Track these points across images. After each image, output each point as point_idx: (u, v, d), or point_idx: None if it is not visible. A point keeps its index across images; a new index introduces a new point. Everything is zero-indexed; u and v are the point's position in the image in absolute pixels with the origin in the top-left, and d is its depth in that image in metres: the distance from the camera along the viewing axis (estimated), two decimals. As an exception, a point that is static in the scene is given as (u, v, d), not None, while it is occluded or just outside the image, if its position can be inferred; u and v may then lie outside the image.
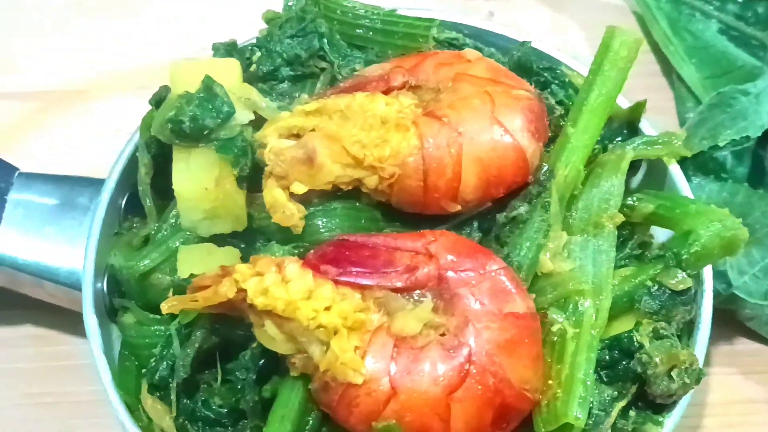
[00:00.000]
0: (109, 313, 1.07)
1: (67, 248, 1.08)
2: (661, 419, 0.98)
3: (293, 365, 0.93)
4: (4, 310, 1.17)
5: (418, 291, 0.93)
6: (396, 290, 0.93)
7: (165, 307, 0.93)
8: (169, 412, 0.97)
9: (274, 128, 1.00)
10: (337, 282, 0.92)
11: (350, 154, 0.97)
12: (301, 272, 0.92)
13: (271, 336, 0.92)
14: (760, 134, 1.13)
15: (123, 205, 1.10)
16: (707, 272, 1.04)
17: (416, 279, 0.93)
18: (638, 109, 1.11)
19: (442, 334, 0.92)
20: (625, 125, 1.11)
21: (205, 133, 0.99)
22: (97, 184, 1.10)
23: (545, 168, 1.01)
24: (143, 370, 1.00)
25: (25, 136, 1.25)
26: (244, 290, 0.90)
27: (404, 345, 0.91)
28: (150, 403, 0.98)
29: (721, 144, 1.13)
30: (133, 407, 1.00)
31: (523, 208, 1.00)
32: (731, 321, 1.16)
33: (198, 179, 0.99)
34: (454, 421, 0.90)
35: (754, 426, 1.13)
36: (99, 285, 1.06)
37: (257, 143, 1.00)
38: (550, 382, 0.94)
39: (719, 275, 1.12)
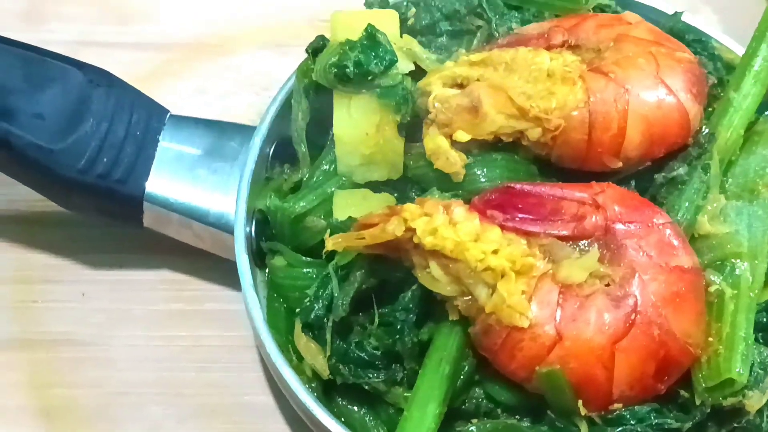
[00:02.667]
0: (255, 258, 1.06)
1: (217, 190, 1.08)
2: (816, 388, 0.97)
3: (454, 308, 0.93)
4: (142, 254, 1.17)
5: (584, 241, 0.93)
6: (562, 239, 0.93)
7: (330, 244, 0.93)
8: (323, 351, 0.97)
9: (439, 77, 1.01)
10: (503, 227, 0.92)
11: (515, 104, 0.97)
12: (468, 215, 0.92)
13: (435, 278, 0.92)
14: None
15: (270, 153, 1.10)
16: None
17: (583, 228, 0.93)
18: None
19: (607, 285, 0.92)
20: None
21: (369, 78, 0.99)
22: (245, 130, 1.10)
23: (706, 131, 1.01)
24: (297, 310, 1.00)
25: (163, 86, 1.25)
26: (413, 230, 0.90)
27: (570, 293, 0.91)
28: (303, 342, 0.98)
29: None
30: (283, 347, 1.00)
31: (682, 170, 0.99)
32: None
33: (359, 124, 1.00)
34: (617, 371, 0.90)
35: None
36: (248, 229, 1.06)
37: (419, 91, 1.01)
38: (710, 339, 0.93)
39: None
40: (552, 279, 0.92)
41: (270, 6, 1.24)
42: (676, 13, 1.12)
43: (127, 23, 1.34)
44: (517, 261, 0.90)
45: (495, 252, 0.90)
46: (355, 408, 1.00)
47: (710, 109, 1.04)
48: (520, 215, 0.94)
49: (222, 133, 1.11)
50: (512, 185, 0.96)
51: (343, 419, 0.98)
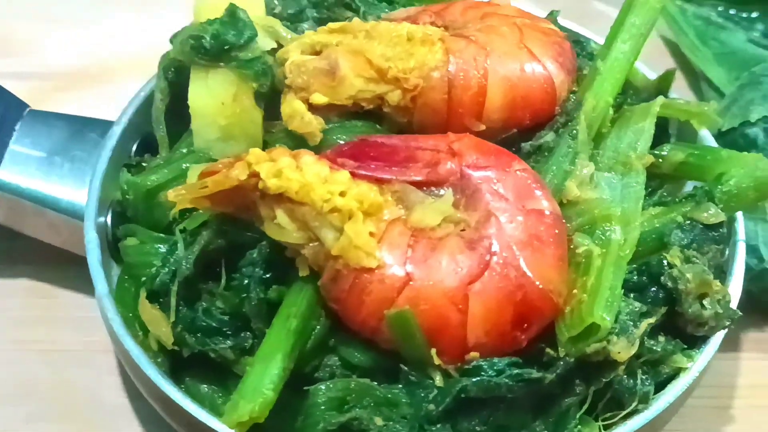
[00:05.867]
0: (112, 251, 1.01)
1: (73, 179, 1.04)
2: (692, 353, 0.91)
3: (304, 263, 0.87)
4: (4, 264, 1.11)
5: (440, 189, 0.89)
6: (416, 185, 0.89)
7: (172, 195, 0.89)
8: (167, 319, 0.90)
9: (297, 44, 0.98)
10: (354, 175, 0.88)
11: (374, 66, 0.94)
12: (316, 161, 0.88)
13: (281, 226, 0.87)
14: (792, 112, 1.10)
15: (134, 149, 1.06)
16: (739, 219, 0.99)
17: (437, 173, 0.89)
18: (667, 78, 1.09)
19: (463, 230, 0.87)
20: (654, 95, 1.08)
21: (226, 49, 0.96)
22: (107, 124, 1.07)
23: (573, 99, 0.98)
24: (143, 279, 0.94)
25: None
26: (257, 175, 0.86)
27: (422, 235, 0.86)
28: (148, 310, 0.92)
29: (752, 120, 1.10)
30: (129, 323, 0.94)
31: (549, 136, 0.96)
32: (761, 308, 1.11)
33: (215, 94, 0.97)
34: (472, 315, 0.84)
35: (785, 409, 1.06)
36: (103, 219, 1.01)
37: (278, 61, 0.98)
38: (575, 292, 0.87)
39: (750, 250, 1.07)
40: (404, 224, 0.87)
41: (152, 36, 1.22)
42: (552, 12, 1.10)
43: (10, 54, 1.32)
44: (365, 201, 0.86)
45: (342, 194, 0.86)
46: (204, 386, 0.93)
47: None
48: (373, 163, 0.89)
49: (83, 125, 1.08)
50: (366, 137, 0.92)
51: (191, 398, 0.90)
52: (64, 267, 1.10)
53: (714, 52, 1.25)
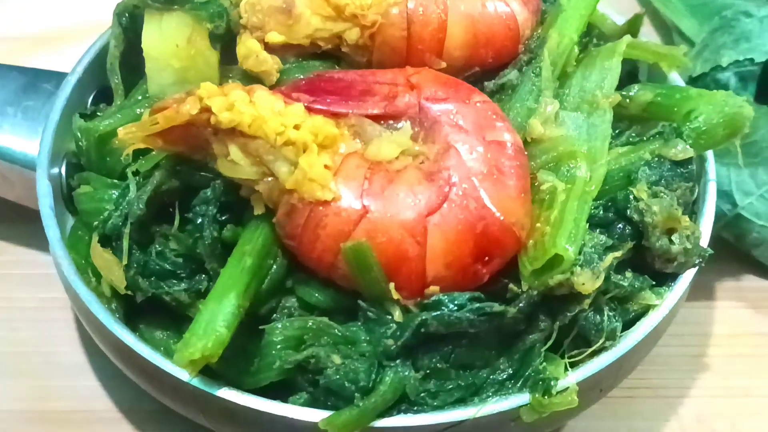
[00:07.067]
0: (67, 202, 0.98)
1: (25, 128, 1.01)
2: (662, 291, 0.89)
3: (259, 200, 0.85)
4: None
5: (397, 122, 0.86)
6: (373, 118, 0.86)
7: (122, 133, 0.86)
8: (119, 263, 0.87)
9: (252, -17, 0.95)
10: (309, 110, 0.85)
11: (331, 3, 0.92)
12: (270, 95, 0.85)
13: (235, 163, 0.84)
14: (765, 60, 1.07)
15: (90, 101, 1.03)
16: (710, 159, 0.96)
17: (395, 107, 0.87)
18: (636, 22, 1.06)
19: (422, 163, 0.84)
20: (622, 39, 1.06)
21: (181, -8, 0.93)
22: (63, 75, 1.04)
23: (537, 36, 0.95)
24: (95, 223, 0.91)
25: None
26: (209, 109, 0.83)
27: (379, 168, 0.83)
28: (99, 254, 0.89)
29: (723, 64, 1.07)
30: (82, 270, 0.91)
31: (512, 75, 0.94)
32: (737, 257, 1.09)
33: (169, 37, 0.94)
34: (431, 247, 0.81)
35: (761, 357, 1.03)
36: (57, 169, 0.98)
37: (234, 2, 0.95)
38: (538, 225, 0.85)
39: (723, 195, 1.05)
40: (360, 157, 0.84)
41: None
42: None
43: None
44: (320, 133, 0.83)
45: (297, 127, 0.83)
46: (159, 332, 0.90)
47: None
48: (329, 97, 0.87)
49: (36, 77, 1.05)
50: (322, 72, 0.89)
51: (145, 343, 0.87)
52: (18, 224, 1.08)
53: (686, 4, 1.23)
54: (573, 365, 0.85)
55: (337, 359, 0.82)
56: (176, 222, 0.88)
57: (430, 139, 0.85)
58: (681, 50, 1.02)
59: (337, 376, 0.81)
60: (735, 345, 1.05)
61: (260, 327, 0.84)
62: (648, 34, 1.26)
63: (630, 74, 1.04)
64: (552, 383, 0.83)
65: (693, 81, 1.08)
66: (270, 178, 0.84)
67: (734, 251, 1.08)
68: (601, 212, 0.88)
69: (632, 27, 1.05)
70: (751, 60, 1.07)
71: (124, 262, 0.88)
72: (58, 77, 1.04)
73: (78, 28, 1.28)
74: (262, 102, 0.84)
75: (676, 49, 1.02)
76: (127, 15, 0.99)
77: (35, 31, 1.31)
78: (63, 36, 1.30)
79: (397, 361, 0.82)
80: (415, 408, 0.82)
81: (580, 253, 0.83)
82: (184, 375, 0.83)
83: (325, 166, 0.82)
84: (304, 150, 0.83)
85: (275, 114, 0.83)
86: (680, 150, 0.91)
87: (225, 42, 0.96)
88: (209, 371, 0.83)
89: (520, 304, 0.82)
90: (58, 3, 1.35)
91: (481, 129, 0.85)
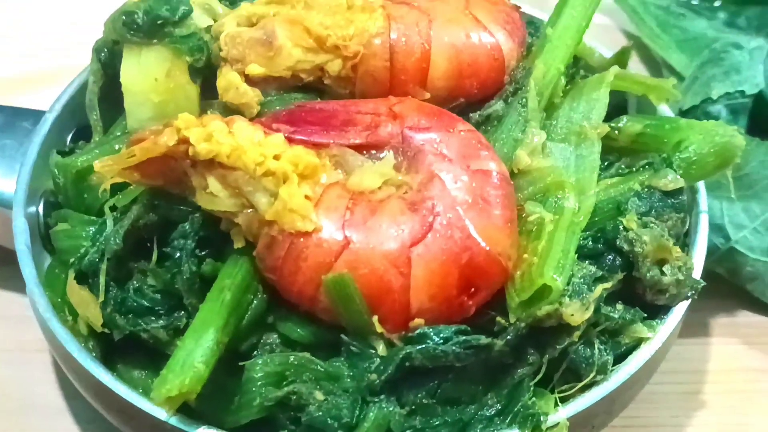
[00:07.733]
0: (44, 241, 0.96)
1: (3, 168, 1.00)
2: (654, 324, 0.86)
3: (239, 234, 0.83)
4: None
5: (380, 152, 0.84)
6: (355, 148, 0.84)
7: (98, 166, 0.84)
8: (96, 299, 0.85)
9: (233, 16, 0.95)
10: (290, 140, 0.84)
11: (312, 34, 0.91)
12: (249, 126, 0.84)
13: (213, 195, 0.82)
14: (755, 92, 1.06)
15: (69, 139, 1.02)
16: (701, 191, 0.95)
17: (377, 136, 0.85)
18: (624, 55, 1.05)
19: (405, 193, 0.82)
20: (610, 72, 1.04)
21: (159, 24, 0.92)
22: (41, 114, 1.02)
23: (522, 67, 0.94)
24: (72, 260, 0.89)
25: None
26: (187, 141, 0.81)
27: (361, 198, 0.81)
28: (76, 292, 0.87)
29: (714, 97, 1.06)
30: (58, 308, 0.88)
31: (498, 105, 0.92)
32: (729, 292, 1.07)
33: (148, 71, 0.93)
34: (414, 278, 0.79)
35: (756, 393, 1.01)
36: (34, 208, 0.96)
37: (214, 35, 0.94)
38: (525, 256, 0.83)
39: (716, 229, 1.03)
40: (342, 187, 0.82)
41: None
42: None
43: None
44: (300, 163, 0.81)
45: (277, 158, 0.81)
46: (137, 371, 0.87)
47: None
48: (310, 128, 0.85)
49: (14, 115, 1.04)
50: (303, 103, 0.88)
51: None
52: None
53: (676, 39, 1.22)
54: (563, 400, 0.83)
55: (319, 395, 0.80)
56: (154, 257, 0.86)
57: (413, 169, 0.83)
58: (670, 82, 1.00)
59: (320, 413, 0.79)
60: (729, 381, 1.03)
61: (240, 363, 0.81)
62: (637, 69, 1.24)
63: (618, 108, 1.02)
64: (542, 419, 0.80)
65: (683, 114, 1.07)
66: (250, 210, 0.81)
67: (727, 286, 1.06)
68: (590, 243, 0.86)
69: (620, 60, 1.04)
70: (742, 92, 1.06)
71: (101, 299, 0.85)
72: (36, 115, 1.02)
73: (57, 70, 1.25)
74: (241, 132, 0.82)
75: (665, 81, 1.00)
76: (106, 50, 0.97)
77: (14, 73, 1.30)
78: (42, 78, 1.29)
79: (382, 397, 0.80)
80: (401, 445, 0.80)
81: (568, 284, 0.81)
82: (162, 414, 0.80)
83: (306, 197, 0.80)
84: (284, 180, 0.81)
85: (255, 144, 0.82)
86: (670, 180, 0.89)
87: (205, 75, 0.94)
88: (188, 409, 0.80)
89: (508, 337, 0.80)
90: (36, 45, 1.34)
91: (465, 158, 0.83)
